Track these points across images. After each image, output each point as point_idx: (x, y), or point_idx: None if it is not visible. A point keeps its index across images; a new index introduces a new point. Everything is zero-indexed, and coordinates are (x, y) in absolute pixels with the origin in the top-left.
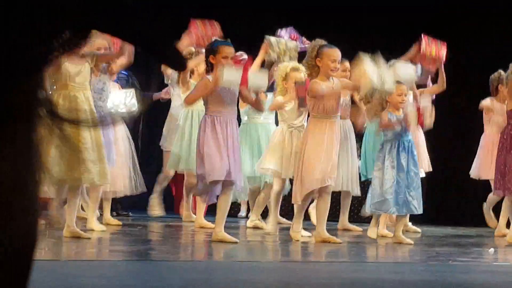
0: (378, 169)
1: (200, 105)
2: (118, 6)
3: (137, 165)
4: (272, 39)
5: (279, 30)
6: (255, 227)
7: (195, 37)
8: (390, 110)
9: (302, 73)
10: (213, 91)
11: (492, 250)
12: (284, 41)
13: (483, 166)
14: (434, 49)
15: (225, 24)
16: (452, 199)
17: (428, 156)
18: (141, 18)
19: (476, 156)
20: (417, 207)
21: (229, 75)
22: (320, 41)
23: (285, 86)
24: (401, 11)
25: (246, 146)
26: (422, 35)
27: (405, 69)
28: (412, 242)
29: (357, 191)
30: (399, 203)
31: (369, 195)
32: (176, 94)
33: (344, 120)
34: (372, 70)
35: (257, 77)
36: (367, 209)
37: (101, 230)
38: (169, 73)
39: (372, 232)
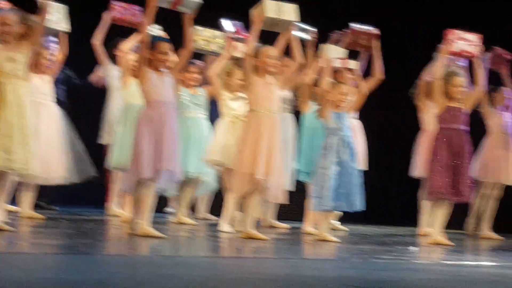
0: (323, 166)
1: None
2: None
3: (81, 152)
4: (198, 27)
5: (222, 19)
6: (182, 223)
7: (118, 16)
8: (331, 108)
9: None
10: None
11: (413, 248)
12: (210, 29)
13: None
14: (365, 28)
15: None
16: (380, 197)
17: (364, 154)
18: None
19: (415, 154)
20: (357, 204)
21: None
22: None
23: (229, 82)
24: None
25: None
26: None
27: (334, 50)
28: (338, 240)
29: (292, 186)
30: (342, 200)
31: (312, 191)
32: (115, 88)
33: (284, 114)
34: (270, 4)
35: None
36: (312, 207)
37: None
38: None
39: (309, 227)
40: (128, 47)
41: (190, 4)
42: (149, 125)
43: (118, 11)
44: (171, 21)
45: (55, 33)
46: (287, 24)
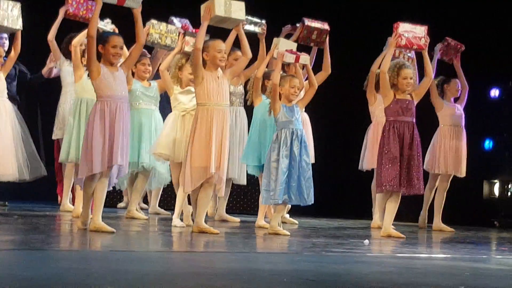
0: (274, 159)
1: (90, 93)
2: None
3: (33, 150)
4: (154, 21)
5: (172, 17)
6: (133, 217)
7: (70, 11)
8: (282, 102)
9: None
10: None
11: (367, 241)
12: (165, 24)
13: (369, 157)
14: (317, 23)
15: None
16: (330, 190)
17: (313, 148)
18: None
19: (365, 147)
20: (307, 198)
21: None
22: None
23: (179, 76)
24: None
25: None
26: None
27: (286, 43)
28: (289, 233)
29: (244, 180)
30: (293, 193)
31: (262, 185)
32: (68, 83)
33: (235, 107)
34: (219, 2)
35: None
36: (263, 200)
37: None
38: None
39: (261, 221)
40: (77, 41)
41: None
42: (101, 120)
43: (73, 6)
44: (122, 14)
45: (8, 31)
46: (236, 22)
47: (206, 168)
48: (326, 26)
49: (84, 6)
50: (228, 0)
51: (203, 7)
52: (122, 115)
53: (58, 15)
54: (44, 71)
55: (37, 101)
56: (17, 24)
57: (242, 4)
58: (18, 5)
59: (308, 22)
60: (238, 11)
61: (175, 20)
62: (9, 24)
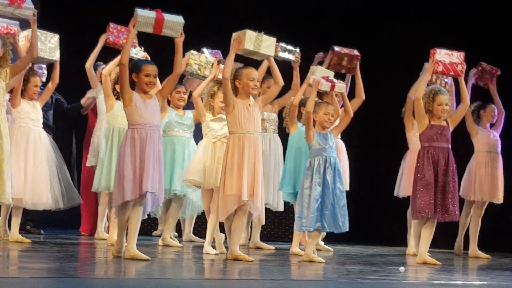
0: (307, 186)
1: (121, 122)
2: None
3: (68, 179)
4: (194, 52)
5: (203, 49)
6: (167, 245)
7: (110, 39)
8: (316, 129)
9: None
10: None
11: (402, 268)
12: (204, 55)
13: (407, 183)
14: (346, 50)
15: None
16: (365, 217)
17: (348, 175)
18: None
19: (402, 174)
20: (342, 225)
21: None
22: (236, 65)
23: (211, 104)
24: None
25: None
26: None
27: (323, 72)
28: (324, 261)
29: (281, 207)
30: (326, 220)
31: (296, 212)
32: (103, 111)
33: (269, 134)
34: (251, 35)
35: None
36: (296, 227)
37: None
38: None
39: (296, 248)
40: (107, 70)
41: (173, 26)
42: (132, 147)
43: (113, 35)
44: (159, 44)
45: (46, 62)
46: (264, 57)
47: (238, 196)
48: (356, 52)
49: (125, 34)
50: (260, 35)
51: (234, 35)
52: (153, 143)
53: (97, 43)
54: (83, 101)
55: (73, 129)
56: (55, 55)
57: (273, 40)
58: (56, 37)
59: (338, 49)
60: (268, 46)
61: (206, 51)
62: (46, 55)
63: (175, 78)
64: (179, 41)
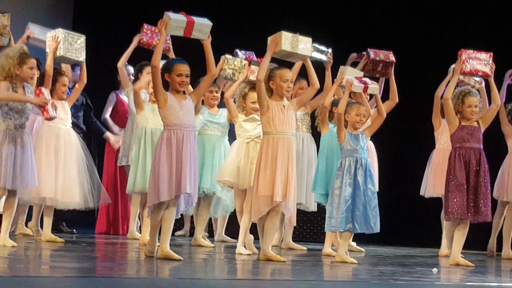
0: (337, 187)
1: (152, 123)
2: None
3: (97, 178)
4: (229, 56)
5: (236, 50)
6: (199, 245)
7: (144, 40)
8: (348, 129)
9: None
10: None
11: (435, 270)
12: (239, 59)
13: (432, 183)
14: (382, 55)
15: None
16: (397, 218)
17: (377, 175)
18: None
19: (428, 174)
20: (374, 226)
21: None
22: (271, 65)
23: (243, 105)
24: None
25: None
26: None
27: (353, 72)
28: (356, 262)
29: (313, 207)
30: (357, 221)
31: (327, 212)
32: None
33: (302, 133)
34: (287, 36)
35: None
36: (326, 227)
37: (12, 246)
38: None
39: (328, 249)
40: (139, 87)
41: (202, 28)
42: (168, 148)
43: (147, 35)
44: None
45: (72, 63)
46: (301, 58)
47: (271, 197)
48: (391, 58)
49: (158, 35)
50: (296, 35)
51: (270, 39)
52: (189, 143)
53: (131, 43)
54: (106, 136)
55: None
56: (81, 56)
57: (309, 40)
58: (83, 37)
59: (373, 55)
60: (305, 47)
61: (240, 53)
62: (73, 56)
63: (210, 79)
64: (207, 42)
